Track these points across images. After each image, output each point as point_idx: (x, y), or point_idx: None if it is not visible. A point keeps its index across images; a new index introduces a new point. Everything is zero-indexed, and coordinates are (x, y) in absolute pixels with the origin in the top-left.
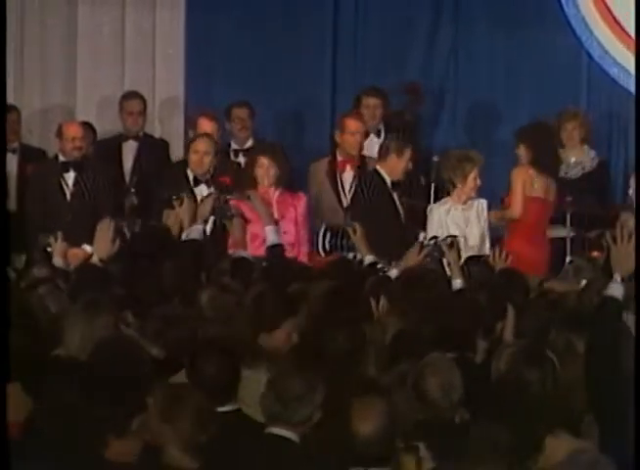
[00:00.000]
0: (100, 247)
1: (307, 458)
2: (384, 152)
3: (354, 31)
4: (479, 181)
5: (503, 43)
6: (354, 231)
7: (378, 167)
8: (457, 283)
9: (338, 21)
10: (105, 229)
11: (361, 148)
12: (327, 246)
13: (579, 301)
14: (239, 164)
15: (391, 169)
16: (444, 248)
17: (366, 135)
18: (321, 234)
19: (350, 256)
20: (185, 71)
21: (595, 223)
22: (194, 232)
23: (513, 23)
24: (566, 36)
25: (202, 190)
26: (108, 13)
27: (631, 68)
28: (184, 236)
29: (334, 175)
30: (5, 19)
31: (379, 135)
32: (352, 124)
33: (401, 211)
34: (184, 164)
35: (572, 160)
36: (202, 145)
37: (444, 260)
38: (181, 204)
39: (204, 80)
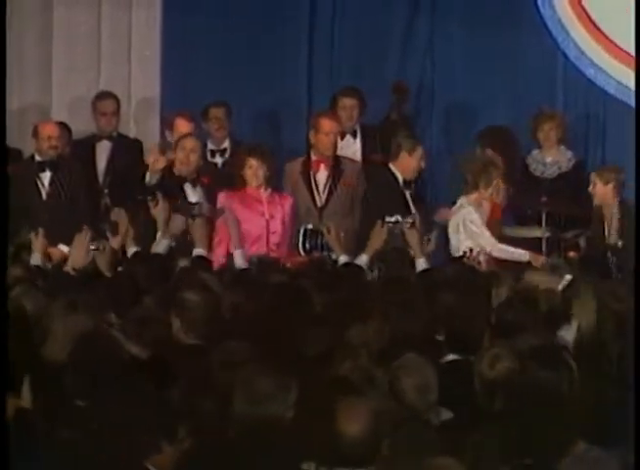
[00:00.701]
0: (75, 257)
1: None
2: (395, 150)
3: (331, 31)
4: (502, 185)
5: (479, 44)
6: (328, 231)
7: (390, 166)
8: (420, 263)
9: (314, 20)
10: (82, 240)
11: (336, 148)
12: (307, 245)
13: (563, 298)
14: (215, 164)
15: (404, 168)
16: (405, 227)
17: (342, 136)
18: (301, 234)
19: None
20: (161, 72)
21: (571, 224)
22: (160, 246)
23: (489, 23)
24: (542, 37)
25: (186, 189)
26: (83, 13)
27: (607, 68)
28: (153, 248)
29: (308, 175)
30: (5, 19)
31: (355, 136)
32: (327, 125)
33: (413, 209)
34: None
35: (549, 160)
36: (189, 143)
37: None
38: (156, 205)
39: (180, 81)
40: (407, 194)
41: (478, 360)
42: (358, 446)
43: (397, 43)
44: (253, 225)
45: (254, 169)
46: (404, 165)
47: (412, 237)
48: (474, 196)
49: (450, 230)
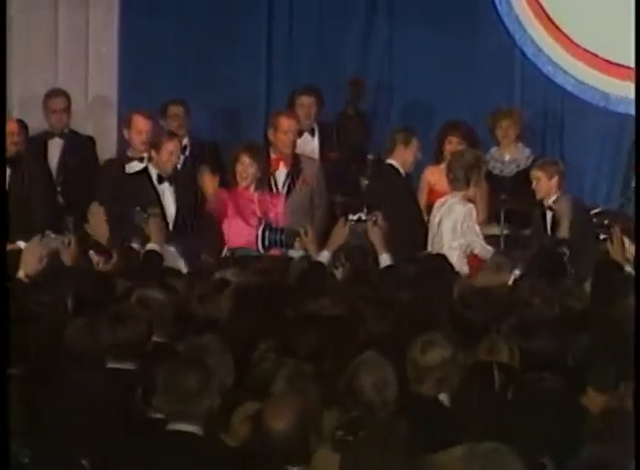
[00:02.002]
0: (27, 263)
1: (213, 451)
2: (391, 144)
3: (289, 30)
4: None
5: (437, 42)
6: (305, 233)
7: (390, 161)
8: (384, 258)
9: (272, 18)
10: (34, 246)
11: (294, 146)
12: (266, 242)
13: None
14: None
15: (402, 161)
16: (369, 225)
17: (300, 134)
18: (260, 230)
19: (296, 253)
20: (118, 70)
21: (529, 221)
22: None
23: (447, 21)
24: (499, 34)
25: (164, 188)
26: (40, 10)
27: (565, 65)
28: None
29: (267, 173)
30: (5, 19)
31: (313, 134)
32: (285, 123)
33: (421, 202)
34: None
35: (507, 158)
36: (172, 145)
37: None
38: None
39: (137, 79)
40: (411, 187)
41: (410, 346)
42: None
43: (356, 42)
44: (244, 225)
45: (245, 166)
46: (402, 159)
47: (375, 234)
48: (462, 193)
49: (444, 227)
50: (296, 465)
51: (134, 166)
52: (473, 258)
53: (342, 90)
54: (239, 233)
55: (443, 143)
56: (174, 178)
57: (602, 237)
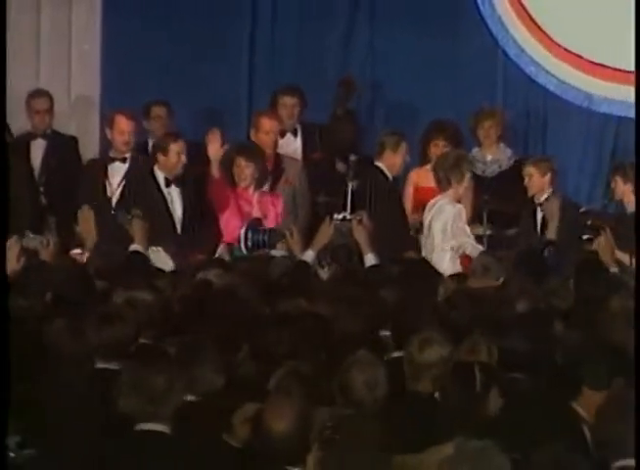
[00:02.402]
0: (8, 262)
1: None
2: (379, 147)
3: (271, 30)
4: (472, 181)
5: (419, 42)
6: (291, 234)
7: (378, 164)
8: (369, 258)
9: (255, 18)
10: (11, 247)
11: (276, 147)
12: (249, 243)
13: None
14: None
15: (390, 165)
16: (354, 224)
17: (282, 134)
18: (243, 231)
19: (279, 253)
20: (101, 70)
21: (512, 221)
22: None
23: (429, 21)
24: (482, 35)
25: (171, 191)
26: (23, 9)
27: (548, 65)
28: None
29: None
30: (5, 19)
31: (295, 134)
32: (267, 123)
33: (406, 205)
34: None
35: (489, 158)
36: (178, 146)
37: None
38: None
39: (120, 79)
40: (398, 190)
41: (407, 344)
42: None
43: (339, 42)
44: (240, 225)
45: (242, 168)
46: (389, 163)
47: (360, 233)
48: (450, 193)
49: (435, 228)
50: (295, 466)
51: (117, 168)
52: (465, 259)
53: (325, 91)
54: (233, 232)
55: (429, 145)
56: (182, 180)
57: (585, 237)
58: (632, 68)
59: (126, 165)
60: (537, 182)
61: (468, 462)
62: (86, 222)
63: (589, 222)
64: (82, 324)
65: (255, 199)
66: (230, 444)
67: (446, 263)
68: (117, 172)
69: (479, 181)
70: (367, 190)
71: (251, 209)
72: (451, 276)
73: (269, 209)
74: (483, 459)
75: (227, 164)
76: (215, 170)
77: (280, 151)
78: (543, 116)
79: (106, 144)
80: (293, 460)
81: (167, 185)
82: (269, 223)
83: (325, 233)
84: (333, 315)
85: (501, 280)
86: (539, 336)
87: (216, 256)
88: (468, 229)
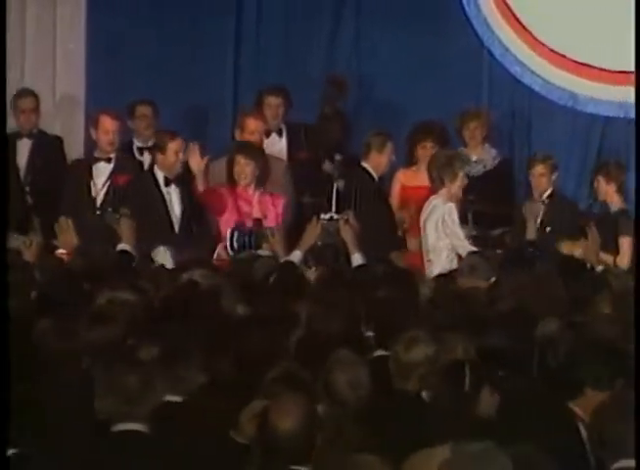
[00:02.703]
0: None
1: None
2: (365, 148)
3: (257, 30)
4: (466, 180)
5: (405, 42)
6: (272, 234)
7: (364, 164)
8: (356, 258)
9: (240, 18)
10: None
11: (261, 147)
12: (235, 244)
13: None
14: (141, 162)
15: (376, 165)
16: (340, 224)
17: (268, 134)
18: (229, 233)
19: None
20: (86, 69)
21: (497, 221)
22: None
23: (414, 21)
24: (467, 36)
25: (171, 191)
26: (8, 8)
27: (533, 66)
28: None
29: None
30: (5, 19)
31: (280, 134)
32: (252, 124)
33: (392, 205)
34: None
35: (474, 158)
36: (177, 144)
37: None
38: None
39: (105, 78)
40: (383, 190)
41: (394, 343)
42: (292, 442)
43: (324, 42)
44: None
45: (242, 167)
46: (375, 163)
47: (347, 233)
48: (444, 192)
49: (428, 228)
50: (301, 465)
51: (102, 168)
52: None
53: (311, 90)
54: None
55: (416, 146)
56: (181, 179)
57: None
58: (619, 68)
59: (111, 166)
60: (547, 181)
61: (468, 465)
62: (65, 233)
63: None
64: (69, 324)
65: (256, 199)
66: (237, 441)
67: (443, 262)
68: (102, 172)
69: None
70: (353, 190)
71: (251, 209)
72: (438, 276)
73: (269, 209)
74: (484, 461)
75: (227, 163)
76: (200, 183)
77: (265, 151)
78: (528, 116)
79: (90, 144)
80: (298, 459)
81: (167, 184)
82: (269, 223)
83: (312, 233)
84: (317, 315)
85: (492, 280)
86: (524, 335)
87: (215, 256)
88: (459, 229)
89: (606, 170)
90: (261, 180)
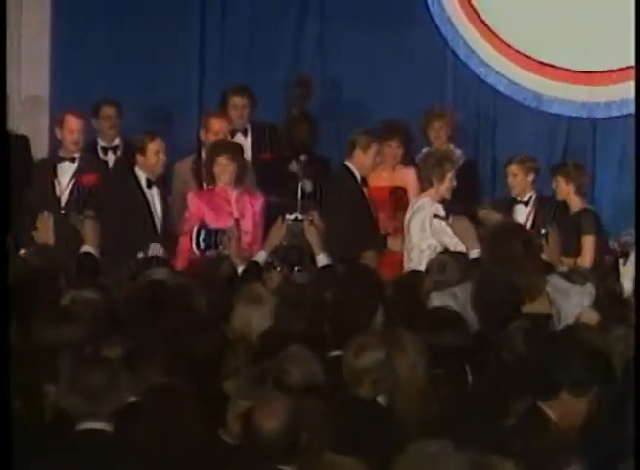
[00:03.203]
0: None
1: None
2: (349, 148)
3: (221, 30)
4: (454, 182)
5: (369, 42)
6: (229, 238)
7: (347, 163)
8: (321, 258)
9: (204, 18)
10: None
11: None
12: (201, 244)
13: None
14: (106, 162)
15: (360, 165)
16: (306, 225)
17: (232, 134)
18: (194, 232)
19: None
20: (50, 69)
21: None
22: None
23: (379, 21)
24: (431, 36)
25: (153, 193)
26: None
27: (497, 66)
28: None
29: (198, 174)
30: (5, 19)
31: (245, 134)
32: (217, 124)
33: (372, 206)
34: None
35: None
36: (156, 144)
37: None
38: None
39: (70, 78)
40: (365, 191)
41: (345, 349)
42: (276, 442)
43: (288, 43)
44: (220, 225)
45: (224, 166)
46: (359, 163)
47: (312, 234)
48: (431, 193)
49: (412, 227)
50: (287, 464)
51: (66, 167)
52: None
53: (275, 90)
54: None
55: (381, 146)
56: (163, 180)
57: None
58: (583, 68)
59: (75, 165)
60: (521, 182)
61: (425, 465)
62: (45, 230)
63: None
64: (33, 323)
65: (234, 198)
66: (225, 440)
67: (424, 261)
68: (67, 172)
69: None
70: (319, 190)
71: (231, 208)
72: (408, 274)
73: (247, 208)
74: (440, 461)
75: (207, 164)
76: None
77: None
78: (493, 116)
79: (55, 144)
80: (284, 459)
81: (149, 186)
82: (247, 224)
83: (276, 234)
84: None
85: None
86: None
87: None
88: (447, 229)
89: (565, 171)
90: (240, 179)
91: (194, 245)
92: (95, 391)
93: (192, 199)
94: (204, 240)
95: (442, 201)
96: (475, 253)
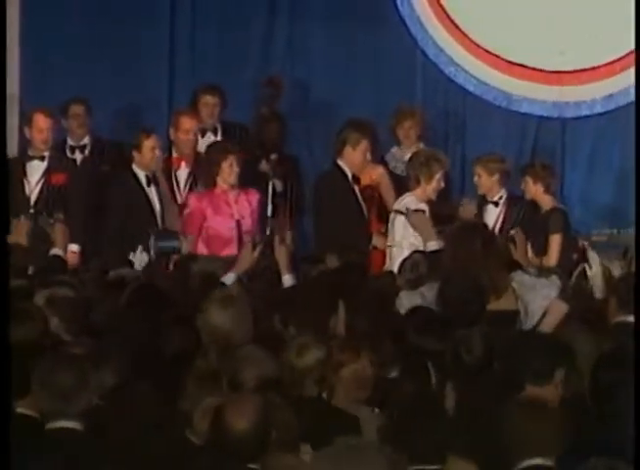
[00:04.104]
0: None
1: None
2: (339, 146)
3: (191, 29)
4: (442, 183)
5: (339, 42)
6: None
7: (338, 161)
8: (287, 279)
9: (174, 17)
10: None
11: (196, 146)
12: (155, 249)
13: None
14: (74, 160)
15: (350, 163)
16: (275, 244)
17: (203, 133)
18: (152, 238)
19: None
20: (20, 67)
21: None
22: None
23: (348, 21)
24: (401, 35)
25: (152, 190)
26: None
27: (467, 66)
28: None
29: (169, 173)
30: (5, 18)
31: (216, 133)
32: (187, 122)
33: (363, 204)
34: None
35: (408, 158)
36: (152, 141)
37: None
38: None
39: (39, 77)
40: (356, 189)
41: (286, 350)
42: (246, 441)
43: (258, 41)
44: (223, 228)
45: (230, 168)
46: (350, 160)
47: (281, 254)
48: (418, 192)
49: (397, 225)
50: (255, 463)
51: (36, 166)
52: None
53: (245, 90)
54: (217, 239)
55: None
56: (158, 176)
57: None
58: (552, 67)
59: (45, 164)
60: (485, 182)
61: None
62: (20, 235)
63: None
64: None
65: (233, 199)
66: (191, 441)
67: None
68: (36, 171)
69: (397, 181)
70: (290, 189)
71: (231, 209)
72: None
73: (245, 207)
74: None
75: (209, 165)
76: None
77: (200, 150)
78: (463, 115)
79: (24, 143)
80: (253, 458)
81: (148, 184)
82: (248, 223)
83: (247, 259)
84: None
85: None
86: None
87: None
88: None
89: (533, 171)
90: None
91: (152, 249)
92: (65, 390)
93: (192, 201)
94: (161, 245)
95: (428, 201)
96: (432, 245)
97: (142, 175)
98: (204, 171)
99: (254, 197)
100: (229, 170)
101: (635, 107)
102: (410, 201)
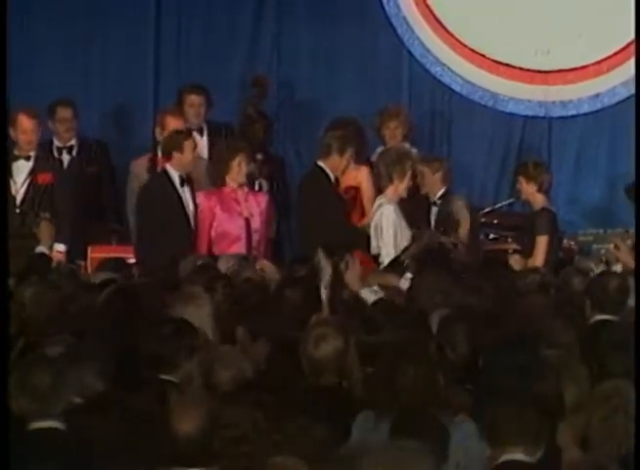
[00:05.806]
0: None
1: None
2: (325, 150)
3: (177, 29)
4: (411, 182)
5: (325, 41)
6: None
7: (321, 164)
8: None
9: (160, 17)
10: None
11: None
12: None
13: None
14: (61, 161)
15: (334, 167)
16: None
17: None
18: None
19: None
20: (6, 68)
21: (417, 220)
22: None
23: (334, 21)
24: (387, 35)
25: (185, 190)
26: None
27: (453, 65)
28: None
29: (154, 172)
30: (5, 19)
31: (201, 133)
32: (172, 122)
33: (346, 205)
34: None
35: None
36: (192, 142)
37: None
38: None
39: (26, 77)
40: (339, 190)
41: (303, 341)
42: (191, 445)
43: (244, 41)
44: (232, 225)
45: (242, 166)
46: (334, 166)
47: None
48: (390, 191)
49: (371, 232)
50: (202, 467)
51: (21, 166)
52: None
53: (231, 90)
54: (225, 238)
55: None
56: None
57: (491, 236)
58: (538, 67)
59: (30, 163)
60: (428, 180)
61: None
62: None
63: (495, 221)
64: None
65: (242, 197)
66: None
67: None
68: (22, 171)
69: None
70: (276, 188)
71: (240, 208)
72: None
73: (254, 207)
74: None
75: (220, 164)
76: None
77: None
78: (449, 115)
79: (10, 142)
80: (199, 462)
81: (182, 184)
82: (256, 222)
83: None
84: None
85: (407, 277)
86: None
87: None
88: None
89: (525, 170)
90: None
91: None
92: (43, 390)
93: (201, 200)
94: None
95: (400, 200)
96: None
97: (176, 176)
98: (213, 170)
99: (263, 198)
100: (238, 169)
101: (635, 102)
102: (383, 203)
